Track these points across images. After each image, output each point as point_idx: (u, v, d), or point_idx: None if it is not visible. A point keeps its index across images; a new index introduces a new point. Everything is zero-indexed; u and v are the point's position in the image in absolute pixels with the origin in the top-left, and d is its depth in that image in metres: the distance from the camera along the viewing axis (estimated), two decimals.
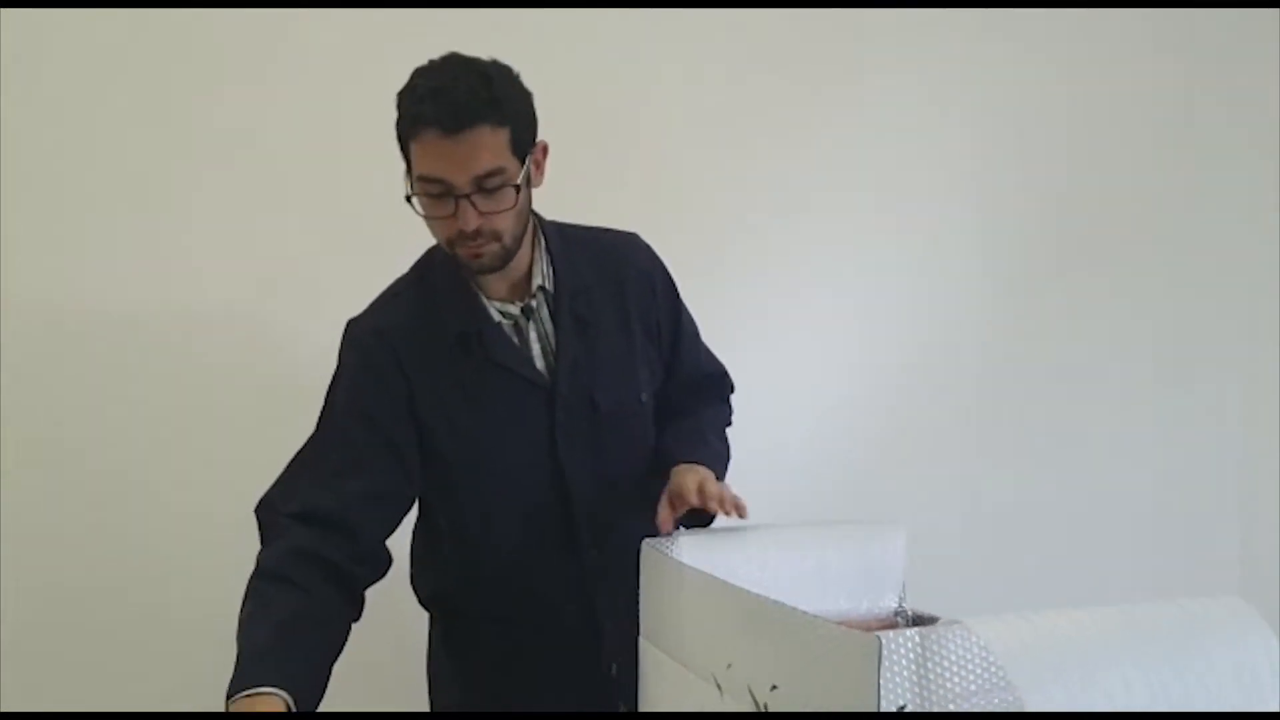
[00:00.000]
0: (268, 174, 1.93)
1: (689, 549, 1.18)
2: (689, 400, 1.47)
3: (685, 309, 1.48)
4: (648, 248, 1.45)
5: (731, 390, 1.54)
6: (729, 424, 1.51)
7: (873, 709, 0.79)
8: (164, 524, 1.89)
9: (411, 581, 1.42)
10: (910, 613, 1.25)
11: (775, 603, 0.93)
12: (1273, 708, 0.84)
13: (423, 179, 1.20)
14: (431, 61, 1.22)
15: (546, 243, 1.36)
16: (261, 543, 1.21)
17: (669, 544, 1.18)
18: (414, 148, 1.20)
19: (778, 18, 2.22)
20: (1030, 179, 2.45)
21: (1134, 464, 2.52)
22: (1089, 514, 2.46)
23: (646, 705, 1.18)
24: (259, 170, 1.92)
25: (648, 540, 1.19)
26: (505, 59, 1.26)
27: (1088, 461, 2.48)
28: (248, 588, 1.15)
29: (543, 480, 1.33)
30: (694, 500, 1.22)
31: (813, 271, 2.29)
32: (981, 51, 2.39)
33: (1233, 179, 2.56)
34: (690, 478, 1.26)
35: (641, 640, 1.19)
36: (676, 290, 1.46)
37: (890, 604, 1.25)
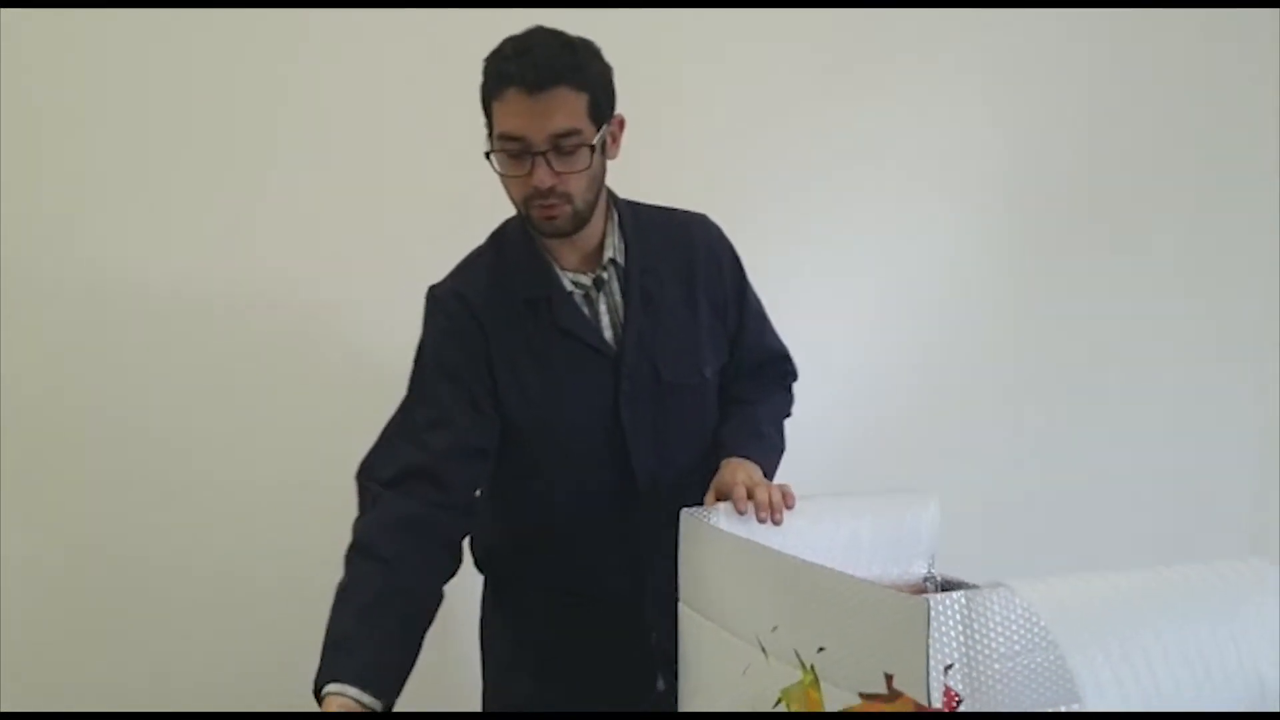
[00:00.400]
0: (305, 162, 1.95)
1: (726, 518, 1.22)
2: (750, 387, 1.49)
3: (751, 288, 1.50)
4: (717, 229, 1.48)
5: (794, 376, 1.56)
6: (788, 414, 1.53)
7: (921, 669, 0.83)
8: (173, 523, 1.91)
9: (470, 541, 1.45)
10: (939, 578, 1.29)
11: (822, 567, 0.96)
12: None
13: (502, 137, 1.24)
14: (517, 32, 1.26)
15: (620, 218, 1.39)
16: (359, 510, 1.27)
17: (708, 512, 1.22)
18: (496, 106, 1.24)
19: (784, 15, 2.22)
20: (1050, 164, 2.46)
21: (1151, 445, 2.56)
22: (1102, 497, 2.50)
23: (687, 669, 1.22)
24: (304, 155, 1.95)
25: (686, 509, 1.23)
26: None
27: (1100, 445, 2.52)
28: (345, 556, 1.22)
29: (605, 449, 1.36)
30: (741, 509, 1.23)
31: (814, 269, 2.30)
32: (994, 46, 2.40)
33: (1245, 174, 2.59)
34: (740, 476, 1.28)
35: (681, 605, 1.22)
36: (743, 270, 1.49)
37: (920, 570, 1.29)
